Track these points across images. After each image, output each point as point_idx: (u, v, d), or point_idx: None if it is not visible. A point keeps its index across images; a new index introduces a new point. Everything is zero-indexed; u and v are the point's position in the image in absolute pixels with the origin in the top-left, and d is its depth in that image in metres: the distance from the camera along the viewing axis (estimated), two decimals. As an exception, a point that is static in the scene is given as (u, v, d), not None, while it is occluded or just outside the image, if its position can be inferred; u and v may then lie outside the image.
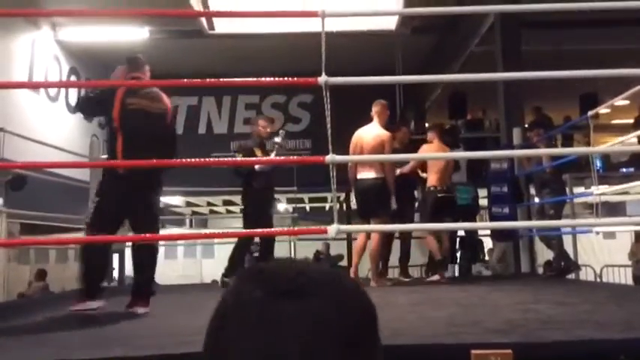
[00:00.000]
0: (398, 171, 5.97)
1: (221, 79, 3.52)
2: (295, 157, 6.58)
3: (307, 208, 16.07)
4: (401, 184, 5.73)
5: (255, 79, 3.58)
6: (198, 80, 3.54)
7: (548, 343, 2.31)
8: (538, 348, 2.28)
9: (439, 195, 5.94)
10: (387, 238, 6.00)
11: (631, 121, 12.05)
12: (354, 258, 5.61)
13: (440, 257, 5.90)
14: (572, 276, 6.20)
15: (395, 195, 5.46)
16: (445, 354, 2.25)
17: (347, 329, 0.57)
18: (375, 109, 5.63)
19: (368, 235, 5.44)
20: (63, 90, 9.91)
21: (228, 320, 0.58)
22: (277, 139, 5.82)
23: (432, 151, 6.07)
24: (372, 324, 0.61)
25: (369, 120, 5.66)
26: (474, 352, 2.09)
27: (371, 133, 5.49)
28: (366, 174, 5.43)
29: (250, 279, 0.60)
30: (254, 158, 5.53)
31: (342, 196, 10.79)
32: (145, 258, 3.83)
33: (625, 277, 9.24)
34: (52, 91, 9.64)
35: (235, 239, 5.80)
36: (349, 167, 5.57)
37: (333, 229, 2.94)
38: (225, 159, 5.47)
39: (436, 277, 5.83)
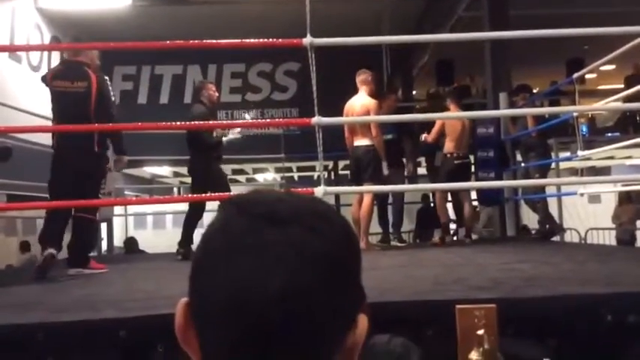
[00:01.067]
0: (423, 137, 6.35)
1: (204, 41, 3.48)
2: (282, 119, 6.49)
3: (295, 178, 16.09)
4: (388, 150, 5.78)
5: (239, 40, 3.54)
6: (181, 42, 3.50)
7: (531, 297, 2.36)
8: (522, 303, 2.32)
9: (456, 162, 6.11)
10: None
11: (618, 86, 12.08)
12: (355, 226, 5.67)
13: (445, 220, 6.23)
14: (557, 238, 6.29)
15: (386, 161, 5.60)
16: (431, 310, 2.29)
17: (329, 258, 0.56)
18: (358, 79, 5.73)
19: (360, 202, 5.58)
20: (45, 59, 9.75)
21: (212, 246, 0.57)
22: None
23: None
24: (356, 255, 0.60)
25: (356, 89, 5.69)
26: (458, 307, 2.13)
27: (358, 102, 5.60)
28: (360, 141, 5.58)
29: (232, 206, 0.59)
30: (240, 121, 5.53)
31: (331, 164, 10.83)
32: (77, 227, 4.28)
33: (609, 240, 9.39)
34: (35, 60, 9.48)
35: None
36: (346, 137, 5.71)
37: (319, 190, 2.96)
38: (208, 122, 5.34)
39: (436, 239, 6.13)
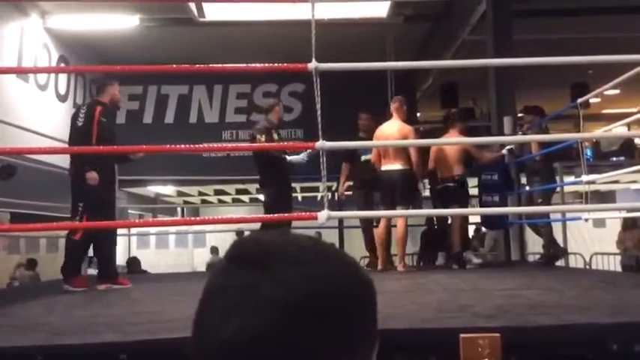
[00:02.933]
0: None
1: (210, 65, 3.51)
2: (287, 143, 6.51)
3: (299, 198, 16.07)
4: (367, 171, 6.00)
5: (245, 64, 3.57)
6: (188, 66, 3.52)
7: (535, 327, 2.33)
8: (526, 332, 2.30)
9: (437, 187, 6.21)
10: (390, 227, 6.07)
11: (622, 110, 12.09)
12: (380, 249, 5.82)
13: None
14: (561, 263, 6.25)
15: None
16: (434, 338, 2.27)
17: (287, 303, 0.52)
18: (393, 106, 5.89)
19: (387, 225, 5.73)
20: (52, 79, 9.82)
21: (206, 283, 0.59)
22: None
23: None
24: (335, 299, 0.55)
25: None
26: (462, 335, 2.11)
27: (393, 128, 5.72)
28: (392, 166, 5.65)
29: (232, 244, 0.59)
30: (244, 144, 5.57)
31: (334, 185, 10.81)
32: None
33: (614, 265, 9.32)
34: (42, 79, 9.55)
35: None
36: (373, 161, 5.86)
37: (323, 215, 2.94)
38: (216, 145, 5.36)
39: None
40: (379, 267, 5.71)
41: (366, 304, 0.58)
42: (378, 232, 5.83)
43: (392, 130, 5.67)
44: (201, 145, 5.20)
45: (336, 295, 0.55)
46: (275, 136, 5.66)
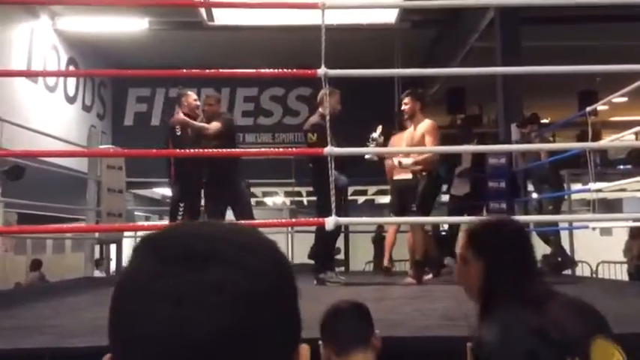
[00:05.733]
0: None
1: (220, 71, 3.52)
2: (294, 149, 6.44)
3: (305, 202, 16.08)
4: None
5: (254, 70, 3.59)
6: (197, 71, 3.54)
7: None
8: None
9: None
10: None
11: (630, 118, 12.05)
12: (387, 252, 5.75)
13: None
14: (568, 271, 6.22)
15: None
16: (440, 346, 2.26)
17: (253, 294, 0.51)
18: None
19: (397, 229, 5.59)
20: (61, 80, 9.88)
21: (128, 293, 0.52)
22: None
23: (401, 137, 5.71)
24: (286, 285, 0.55)
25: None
26: (470, 344, 2.10)
27: (410, 131, 5.38)
28: (405, 175, 5.33)
29: (146, 246, 0.55)
30: (252, 150, 5.53)
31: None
32: None
33: (621, 273, 9.28)
34: (51, 80, 9.61)
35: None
36: (388, 171, 5.59)
37: (330, 221, 2.95)
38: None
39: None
40: (384, 264, 5.69)
41: (295, 283, 0.57)
42: (388, 241, 5.75)
43: (408, 134, 5.30)
44: (239, 150, 5.20)
45: (285, 279, 0.55)
46: (311, 136, 5.05)
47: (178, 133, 5.23)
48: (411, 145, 5.12)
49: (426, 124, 5.10)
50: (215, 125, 5.30)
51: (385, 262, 5.81)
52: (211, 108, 5.54)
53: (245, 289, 0.50)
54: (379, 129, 5.31)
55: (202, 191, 5.48)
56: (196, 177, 5.36)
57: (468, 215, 6.59)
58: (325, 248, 5.19)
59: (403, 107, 5.26)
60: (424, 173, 5.06)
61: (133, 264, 0.54)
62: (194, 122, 5.34)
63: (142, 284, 0.51)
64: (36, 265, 8.88)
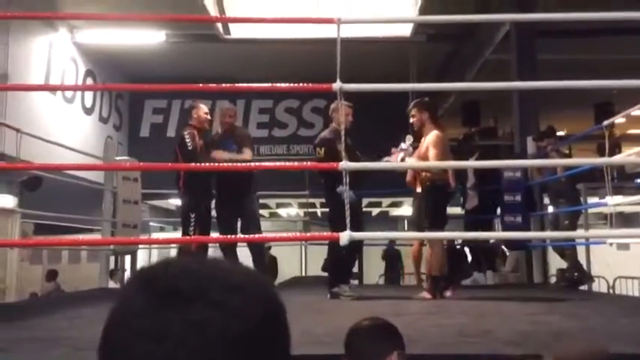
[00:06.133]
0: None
1: (236, 85, 3.55)
2: (309, 162, 6.38)
3: (319, 213, 16.07)
4: None
5: (269, 84, 3.61)
6: (213, 85, 3.56)
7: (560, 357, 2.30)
8: (550, 360, 2.27)
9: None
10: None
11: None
12: (415, 269, 5.55)
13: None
14: (584, 287, 6.15)
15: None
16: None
17: (238, 335, 0.51)
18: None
19: (421, 243, 5.21)
20: (79, 92, 10.00)
21: (115, 327, 0.54)
22: (404, 145, 5.06)
23: None
24: (275, 325, 0.55)
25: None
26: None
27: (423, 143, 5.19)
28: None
29: (135, 281, 0.56)
30: (266, 163, 5.52)
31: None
32: None
33: (638, 288, 9.15)
34: (68, 92, 9.74)
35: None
36: (408, 182, 5.28)
37: (345, 236, 2.94)
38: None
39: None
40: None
41: (286, 323, 0.57)
42: (412, 252, 5.43)
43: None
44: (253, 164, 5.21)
45: (271, 321, 0.55)
46: (320, 151, 4.95)
47: (190, 147, 5.20)
48: (419, 157, 5.04)
49: (430, 136, 4.97)
50: (248, 153, 5.32)
51: (416, 282, 5.70)
52: (231, 120, 5.59)
53: (226, 331, 0.51)
54: (409, 139, 5.14)
55: (213, 201, 5.49)
56: (205, 188, 5.37)
57: (482, 230, 6.57)
58: (338, 262, 5.17)
59: (411, 120, 5.12)
60: (428, 183, 4.97)
61: (123, 296, 0.55)
62: (230, 154, 5.24)
63: (127, 318, 0.53)
64: (52, 275, 8.94)
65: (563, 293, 5.43)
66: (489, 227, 7.37)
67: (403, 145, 5.07)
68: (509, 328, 2.96)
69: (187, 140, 5.23)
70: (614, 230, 4.44)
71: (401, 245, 11.13)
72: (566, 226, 5.93)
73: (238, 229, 5.39)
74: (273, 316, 0.55)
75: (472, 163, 6.50)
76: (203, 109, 5.45)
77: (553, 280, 7.04)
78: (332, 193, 4.79)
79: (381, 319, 1.92)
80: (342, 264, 5.19)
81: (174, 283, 0.53)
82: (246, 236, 5.38)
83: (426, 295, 4.89)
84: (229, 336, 0.51)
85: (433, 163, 4.93)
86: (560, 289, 6.04)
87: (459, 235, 6.37)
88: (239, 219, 5.41)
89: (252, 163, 5.47)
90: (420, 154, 5.00)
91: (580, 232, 6.08)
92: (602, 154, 9.63)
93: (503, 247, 8.92)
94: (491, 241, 6.54)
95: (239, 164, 4.91)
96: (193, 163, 5.03)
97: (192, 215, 5.27)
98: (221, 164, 5.08)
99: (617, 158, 5.69)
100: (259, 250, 5.51)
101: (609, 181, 5.14)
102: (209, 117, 5.51)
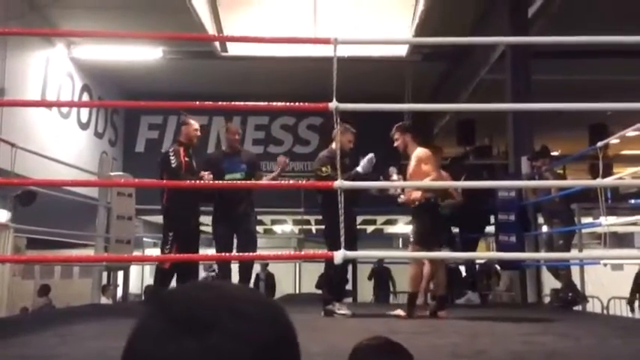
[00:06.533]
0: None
1: (232, 103, 3.56)
2: (304, 181, 6.41)
3: (313, 230, 16.05)
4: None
5: (265, 102, 3.63)
6: (210, 103, 3.57)
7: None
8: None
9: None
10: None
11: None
12: (424, 283, 5.48)
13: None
14: (578, 307, 6.15)
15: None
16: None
17: None
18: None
19: (421, 263, 5.21)
20: (74, 107, 10.01)
21: (135, 349, 0.56)
22: (394, 177, 5.08)
23: None
24: (285, 352, 0.57)
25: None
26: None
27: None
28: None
29: (155, 304, 0.58)
30: (262, 181, 5.50)
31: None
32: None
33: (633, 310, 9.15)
34: (64, 107, 9.74)
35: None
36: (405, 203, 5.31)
37: (339, 255, 2.94)
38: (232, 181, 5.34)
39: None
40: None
41: (297, 345, 0.59)
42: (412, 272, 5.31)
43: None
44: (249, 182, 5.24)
45: (283, 347, 0.57)
46: (326, 169, 5.02)
47: (174, 165, 5.15)
48: (409, 175, 5.08)
49: (416, 153, 5.04)
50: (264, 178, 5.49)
51: (420, 301, 5.35)
52: (237, 139, 5.65)
53: (240, 357, 0.53)
54: (394, 171, 5.14)
55: (197, 219, 5.45)
56: (190, 206, 5.28)
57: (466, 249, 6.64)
58: (332, 280, 5.17)
59: (395, 144, 5.17)
60: (417, 203, 5.00)
61: (143, 321, 0.57)
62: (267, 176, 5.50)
63: (146, 344, 0.55)
64: (44, 290, 8.89)
65: (557, 313, 5.43)
66: (475, 245, 7.51)
67: (394, 177, 5.09)
68: (503, 349, 2.95)
69: (172, 157, 5.19)
70: (609, 251, 4.45)
71: (391, 263, 11.10)
72: (560, 246, 5.93)
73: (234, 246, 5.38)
74: (284, 340, 0.58)
75: (465, 184, 6.51)
76: (193, 125, 5.43)
77: (547, 299, 7.03)
78: (328, 210, 4.84)
79: (384, 337, 1.92)
80: (336, 281, 5.19)
81: (192, 309, 0.55)
82: (242, 254, 5.36)
83: (400, 312, 4.89)
84: None
85: (427, 182, 4.96)
86: (554, 309, 6.03)
87: (452, 255, 6.38)
88: (235, 235, 5.39)
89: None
90: (409, 173, 5.04)
91: (574, 252, 6.09)
92: (594, 174, 9.69)
93: (496, 266, 8.94)
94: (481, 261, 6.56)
95: (236, 181, 4.91)
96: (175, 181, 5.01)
97: (170, 234, 5.18)
98: (219, 183, 5.12)
99: (612, 180, 5.71)
100: (248, 266, 5.54)
101: (603, 202, 5.16)
102: (199, 133, 5.50)
